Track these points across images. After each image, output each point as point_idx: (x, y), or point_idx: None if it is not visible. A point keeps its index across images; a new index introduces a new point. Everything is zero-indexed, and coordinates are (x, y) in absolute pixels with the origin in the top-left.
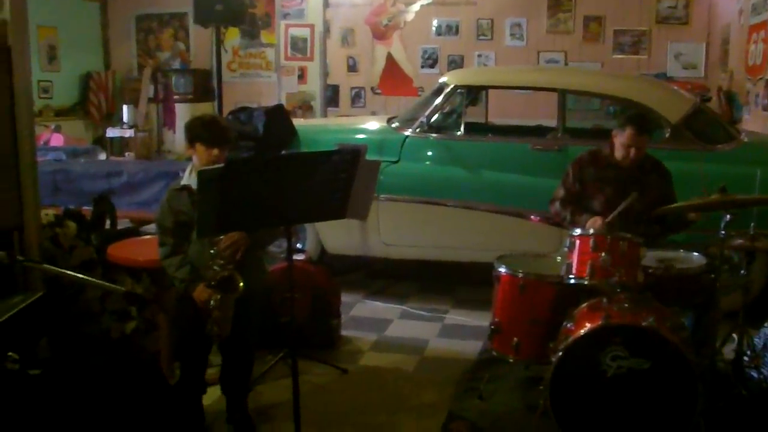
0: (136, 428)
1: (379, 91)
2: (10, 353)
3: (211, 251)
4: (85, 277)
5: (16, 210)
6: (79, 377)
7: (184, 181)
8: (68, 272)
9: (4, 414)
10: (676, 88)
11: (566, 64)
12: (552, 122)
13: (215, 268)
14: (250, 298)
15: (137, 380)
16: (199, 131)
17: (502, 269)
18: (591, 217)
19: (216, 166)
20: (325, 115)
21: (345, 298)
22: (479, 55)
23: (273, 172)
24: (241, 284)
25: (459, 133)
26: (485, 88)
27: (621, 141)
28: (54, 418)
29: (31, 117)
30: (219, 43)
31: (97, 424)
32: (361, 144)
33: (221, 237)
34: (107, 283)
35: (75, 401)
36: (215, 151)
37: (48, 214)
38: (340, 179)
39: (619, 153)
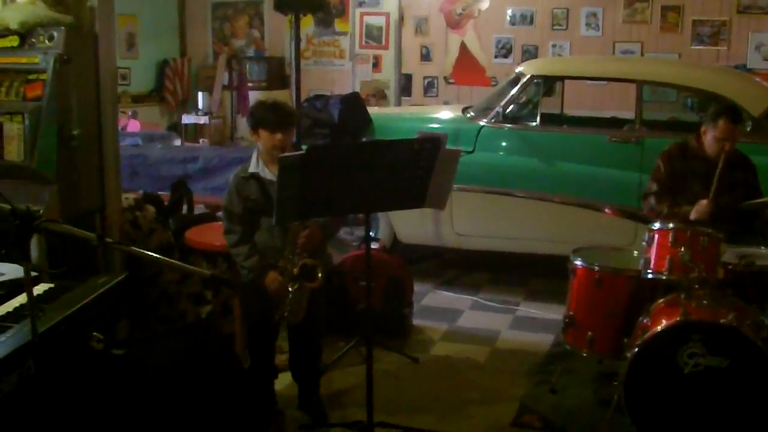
0: (212, 409)
1: (452, 80)
2: (94, 333)
3: (290, 239)
4: (173, 261)
5: (99, 193)
6: (158, 358)
7: (251, 169)
8: (155, 255)
9: (90, 392)
10: (758, 80)
11: (642, 54)
12: (625, 114)
13: (289, 257)
14: (319, 286)
15: (214, 362)
16: (262, 115)
17: (578, 262)
18: (692, 207)
19: (297, 152)
20: (399, 103)
21: (416, 287)
22: (554, 45)
23: (353, 160)
24: (320, 275)
25: (535, 123)
26: (562, 78)
27: (714, 135)
28: (136, 397)
29: (114, 102)
30: (298, 30)
31: (175, 404)
32: (441, 132)
33: (299, 228)
34: (194, 267)
35: (155, 381)
36: (279, 135)
37: (128, 197)
38: (420, 168)
39: (711, 148)
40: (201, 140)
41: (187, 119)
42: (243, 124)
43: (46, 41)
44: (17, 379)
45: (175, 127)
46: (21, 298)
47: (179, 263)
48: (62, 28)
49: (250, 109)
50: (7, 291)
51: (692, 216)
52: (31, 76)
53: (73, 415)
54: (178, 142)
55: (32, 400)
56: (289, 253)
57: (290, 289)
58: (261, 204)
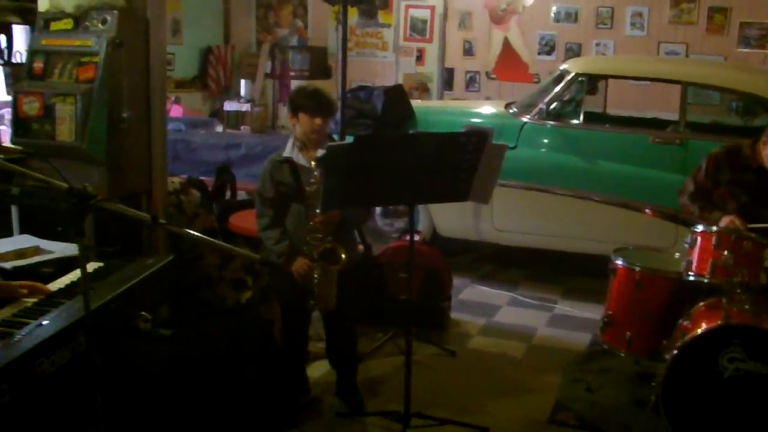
0: (251, 392)
1: (494, 76)
2: (142, 312)
3: (309, 224)
4: (226, 245)
5: (146, 175)
6: (203, 339)
7: (286, 153)
8: (208, 239)
9: (138, 370)
10: None
11: (687, 56)
12: (668, 115)
13: (311, 242)
14: (348, 272)
15: (255, 346)
16: (303, 100)
17: (619, 262)
18: (723, 214)
19: (345, 142)
20: (441, 97)
21: (455, 281)
22: (597, 44)
23: (400, 150)
24: (343, 255)
25: (578, 121)
26: (607, 77)
27: None
28: (181, 377)
29: (163, 86)
30: (345, 21)
31: (217, 385)
32: (488, 127)
33: (317, 211)
34: (245, 251)
35: (200, 362)
36: (317, 121)
37: (173, 181)
38: (466, 161)
39: None
40: (242, 127)
41: (230, 106)
42: (285, 112)
43: (100, 25)
44: (70, 354)
45: (217, 114)
46: (71, 276)
47: (231, 247)
48: (115, 12)
49: (291, 94)
50: (58, 268)
51: (720, 225)
52: (84, 59)
53: (120, 391)
54: (220, 129)
55: (83, 375)
56: (310, 238)
57: (315, 274)
58: (292, 188)
